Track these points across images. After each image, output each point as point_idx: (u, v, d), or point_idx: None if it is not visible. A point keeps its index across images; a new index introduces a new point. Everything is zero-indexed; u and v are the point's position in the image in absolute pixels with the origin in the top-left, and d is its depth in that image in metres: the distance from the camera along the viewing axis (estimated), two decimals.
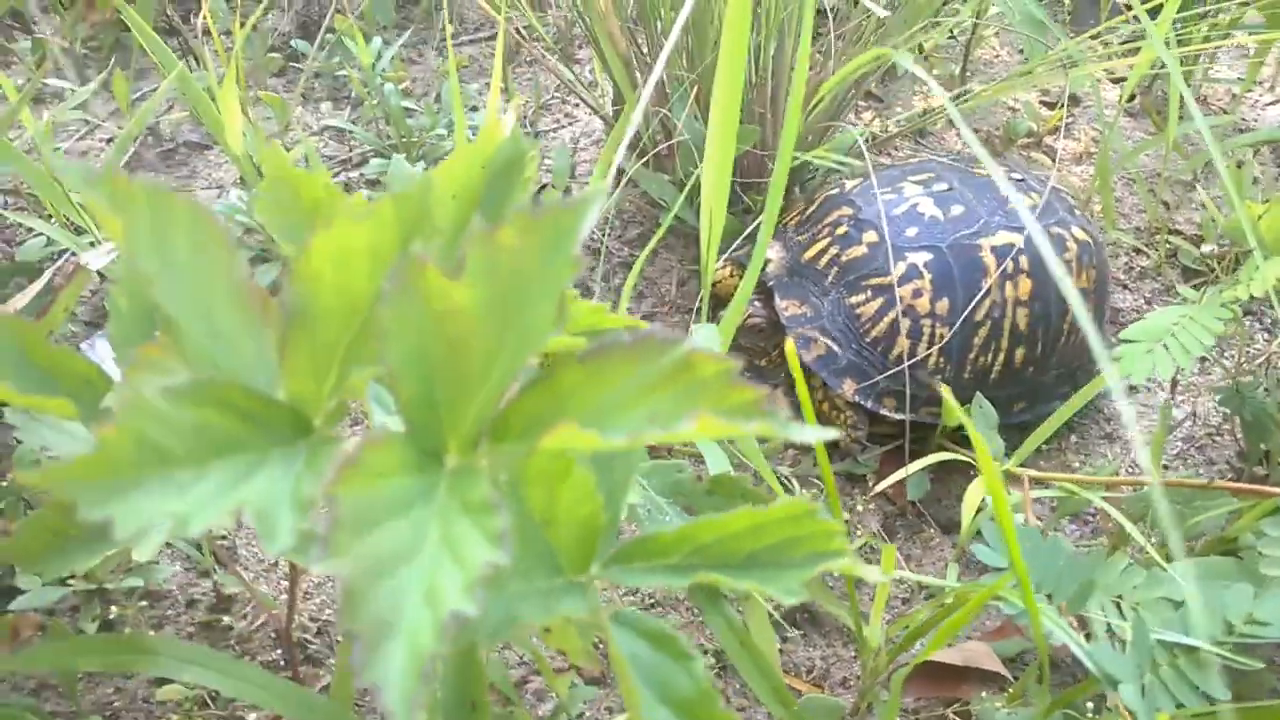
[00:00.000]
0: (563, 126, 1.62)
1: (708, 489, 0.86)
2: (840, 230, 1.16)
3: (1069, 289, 0.55)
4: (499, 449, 0.40)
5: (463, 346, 0.40)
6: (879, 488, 1.12)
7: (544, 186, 1.43)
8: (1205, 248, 1.24)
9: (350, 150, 1.55)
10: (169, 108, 1.67)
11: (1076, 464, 1.23)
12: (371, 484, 0.35)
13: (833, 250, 1.16)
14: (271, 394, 0.43)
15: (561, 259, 0.40)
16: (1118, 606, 0.88)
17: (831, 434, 0.39)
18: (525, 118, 1.63)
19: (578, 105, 1.67)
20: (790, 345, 0.73)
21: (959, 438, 1.17)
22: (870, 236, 1.14)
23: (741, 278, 1.28)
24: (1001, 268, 1.12)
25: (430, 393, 0.40)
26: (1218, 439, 1.25)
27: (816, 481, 1.18)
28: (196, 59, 1.66)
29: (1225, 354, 1.33)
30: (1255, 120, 1.67)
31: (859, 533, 1.14)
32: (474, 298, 0.40)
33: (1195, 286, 1.40)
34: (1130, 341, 0.94)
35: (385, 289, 0.38)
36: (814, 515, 0.50)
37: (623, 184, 1.40)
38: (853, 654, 1.02)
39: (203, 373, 0.42)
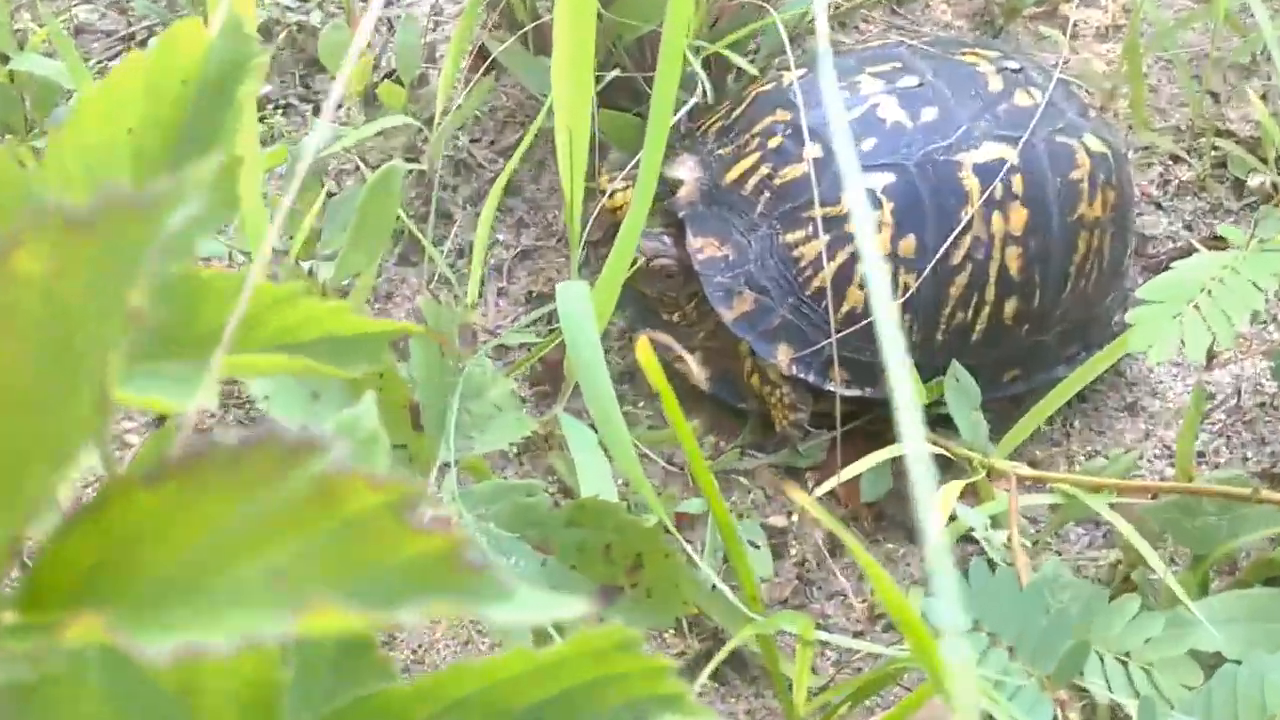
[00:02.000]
0: None
1: (568, 518, 0.79)
2: (774, 142, 1.05)
3: None
4: (35, 624, 0.29)
5: None
6: (823, 488, 1.02)
7: (389, 75, 1.29)
8: (1254, 180, 1.14)
9: (130, 24, 1.43)
10: None
11: (1086, 447, 1.14)
12: None
13: (763, 169, 1.05)
14: None
15: (113, 303, 0.28)
16: (1125, 667, 0.79)
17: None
18: None
19: None
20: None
21: (932, 417, 1.07)
22: (813, 150, 1.03)
23: None
24: (987, 193, 1.01)
25: None
26: (1272, 411, 1.16)
27: (742, 480, 1.08)
28: None
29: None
30: None
31: (794, 548, 1.05)
32: None
33: (1250, 207, 1.30)
34: (1149, 303, 0.84)
35: None
36: (629, 648, 0.40)
37: (483, 71, 1.27)
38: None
39: None
